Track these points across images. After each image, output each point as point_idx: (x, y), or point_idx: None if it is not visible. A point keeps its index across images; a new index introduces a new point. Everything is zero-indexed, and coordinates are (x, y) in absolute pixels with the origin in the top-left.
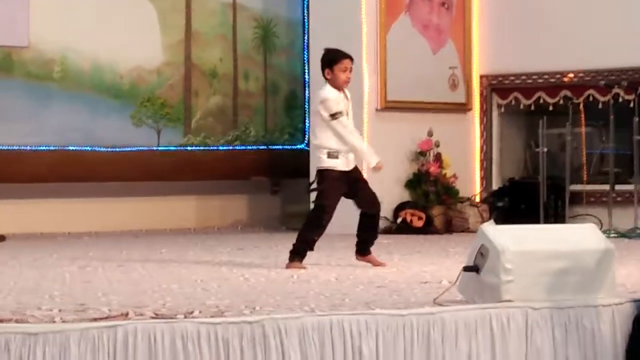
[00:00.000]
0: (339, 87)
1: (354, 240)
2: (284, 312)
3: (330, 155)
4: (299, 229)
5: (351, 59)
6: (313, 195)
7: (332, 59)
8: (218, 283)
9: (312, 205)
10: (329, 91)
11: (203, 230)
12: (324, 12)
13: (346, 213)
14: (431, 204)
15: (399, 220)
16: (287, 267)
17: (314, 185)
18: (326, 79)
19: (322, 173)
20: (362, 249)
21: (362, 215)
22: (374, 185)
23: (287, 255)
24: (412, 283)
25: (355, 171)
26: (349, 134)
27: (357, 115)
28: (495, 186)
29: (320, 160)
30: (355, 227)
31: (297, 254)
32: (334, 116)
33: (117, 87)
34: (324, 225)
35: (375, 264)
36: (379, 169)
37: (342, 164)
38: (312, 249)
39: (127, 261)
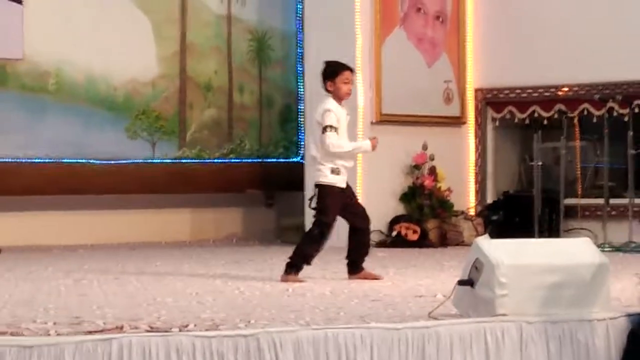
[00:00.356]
0: (340, 98)
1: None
2: (279, 325)
3: (333, 171)
4: (297, 243)
5: (352, 70)
6: (310, 209)
7: (334, 70)
8: (213, 296)
9: (308, 219)
10: (331, 103)
11: (198, 243)
12: (318, 25)
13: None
14: (426, 218)
15: (394, 233)
16: (283, 279)
17: (314, 201)
18: (328, 91)
19: (324, 189)
20: (354, 268)
21: (352, 232)
22: (369, 199)
23: (282, 268)
24: (407, 297)
25: (349, 188)
26: (337, 147)
27: (352, 128)
28: (489, 200)
29: (320, 175)
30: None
31: (294, 267)
32: (325, 129)
33: (111, 100)
34: (322, 242)
35: (371, 277)
36: (375, 144)
37: (341, 181)
38: (309, 264)
39: (122, 274)
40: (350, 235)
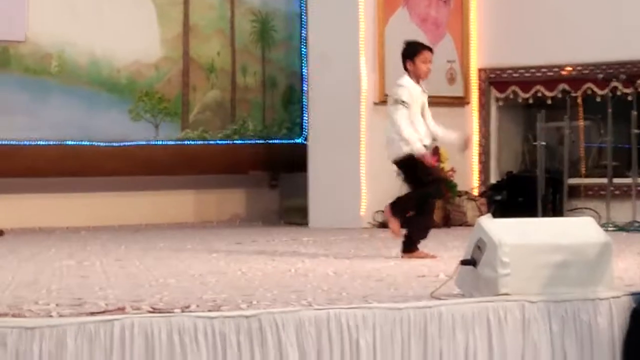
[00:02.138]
0: (418, 77)
1: (351, 234)
2: (281, 306)
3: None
4: (411, 223)
5: (431, 50)
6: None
7: (414, 50)
8: (215, 277)
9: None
10: (407, 80)
11: (201, 224)
12: (322, 6)
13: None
14: None
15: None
16: (413, 257)
17: (402, 176)
18: (407, 70)
19: (408, 160)
20: (409, 246)
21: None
22: (373, 178)
23: (288, 248)
24: (409, 277)
25: None
26: (400, 126)
27: (355, 109)
28: (493, 180)
29: (399, 148)
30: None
31: (413, 243)
32: (398, 102)
33: (114, 82)
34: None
35: (426, 257)
36: (426, 157)
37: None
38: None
39: (125, 255)
40: (414, 214)
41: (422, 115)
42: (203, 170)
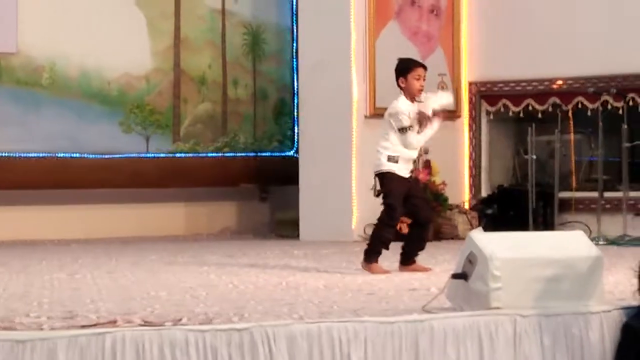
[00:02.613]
0: (412, 95)
1: (342, 247)
2: (273, 319)
3: (390, 159)
4: (372, 232)
5: (425, 67)
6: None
7: (406, 67)
8: (206, 290)
9: (302, 213)
10: (402, 103)
11: (192, 237)
12: (313, 19)
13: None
14: None
15: None
16: (365, 267)
17: (376, 189)
18: (400, 87)
19: (384, 175)
20: (406, 260)
21: (412, 225)
22: (364, 192)
23: (279, 261)
24: (400, 290)
25: (414, 181)
26: (418, 143)
27: (346, 122)
28: (484, 193)
29: (379, 164)
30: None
31: (373, 254)
32: (402, 130)
33: (105, 94)
34: (394, 225)
35: (421, 270)
36: (440, 110)
37: (400, 169)
38: (387, 248)
39: (116, 268)
40: (410, 227)
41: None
42: (194, 182)
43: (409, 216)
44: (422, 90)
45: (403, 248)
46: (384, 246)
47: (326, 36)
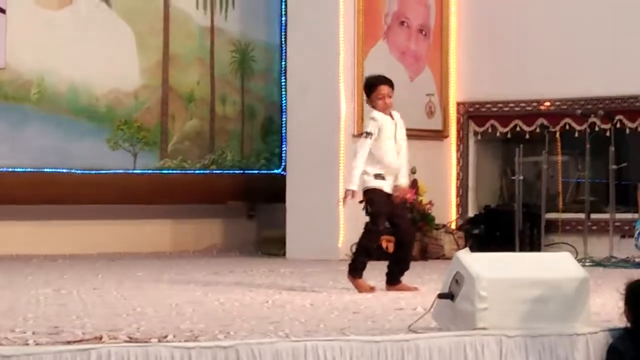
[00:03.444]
0: (382, 111)
1: (328, 265)
2: (258, 337)
3: (377, 176)
4: (358, 242)
5: (389, 84)
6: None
7: (369, 87)
8: (193, 307)
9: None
10: (377, 112)
11: (178, 254)
12: (301, 38)
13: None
14: None
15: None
16: (350, 280)
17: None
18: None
19: (370, 194)
20: (392, 280)
21: (396, 244)
22: (351, 211)
23: (265, 279)
24: (387, 309)
25: (399, 200)
26: (359, 155)
27: (334, 140)
28: (471, 213)
29: (365, 181)
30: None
31: (359, 264)
32: (362, 134)
33: (93, 110)
34: (379, 232)
35: (407, 290)
36: (346, 197)
37: (387, 187)
38: (370, 258)
39: (102, 284)
40: (394, 248)
41: (398, 146)
42: (181, 199)
43: (393, 236)
44: (387, 107)
45: (388, 268)
46: (368, 256)
47: (315, 55)
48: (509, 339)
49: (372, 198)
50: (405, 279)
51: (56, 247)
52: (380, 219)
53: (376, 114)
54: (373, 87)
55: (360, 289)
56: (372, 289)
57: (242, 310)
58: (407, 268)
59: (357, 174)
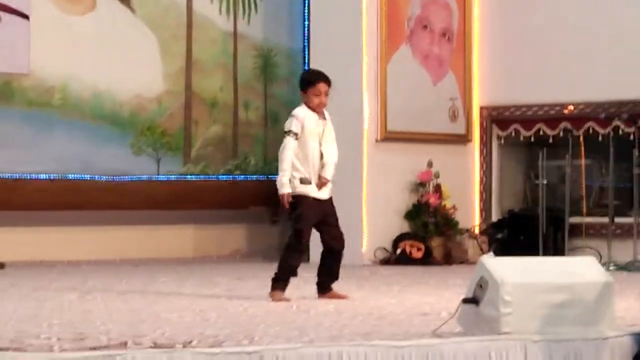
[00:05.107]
0: (313, 109)
1: (352, 271)
2: (283, 342)
3: (303, 181)
4: (280, 257)
5: (327, 82)
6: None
7: (306, 82)
8: (217, 313)
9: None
10: (299, 109)
11: (202, 259)
12: (324, 42)
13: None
14: (430, 235)
15: (398, 251)
16: (270, 295)
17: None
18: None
19: (296, 198)
20: (323, 289)
21: (324, 253)
22: (374, 216)
23: (289, 284)
24: (411, 314)
25: (329, 203)
26: (285, 156)
27: (357, 145)
28: (494, 218)
29: (293, 186)
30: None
31: (279, 282)
32: (286, 133)
33: (117, 116)
34: (302, 250)
35: (338, 297)
36: (284, 203)
37: (314, 191)
38: (295, 275)
39: (126, 290)
40: (322, 256)
41: (322, 146)
42: (204, 205)
43: (322, 242)
44: (321, 106)
45: (318, 277)
46: (291, 273)
47: (337, 60)
48: (533, 343)
49: (299, 213)
50: (431, 283)
51: (80, 253)
52: (304, 236)
53: (299, 111)
54: (311, 83)
55: (274, 299)
56: (286, 300)
57: (266, 316)
58: (336, 278)
59: (286, 177)
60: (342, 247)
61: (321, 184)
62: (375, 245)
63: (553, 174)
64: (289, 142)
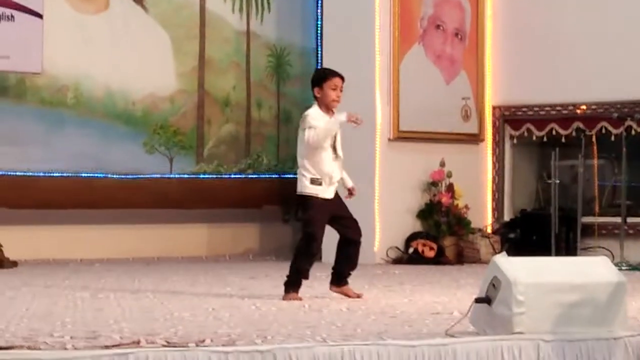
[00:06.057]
0: (327, 106)
1: (364, 269)
2: (296, 341)
3: (313, 181)
4: (291, 260)
5: (342, 78)
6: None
7: (322, 76)
8: (230, 312)
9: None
10: (312, 110)
11: (214, 258)
12: (337, 42)
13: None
14: (443, 235)
15: (411, 250)
16: (284, 299)
17: (299, 213)
18: (315, 97)
19: (306, 200)
20: (338, 280)
21: (341, 243)
22: (386, 215)
23: (302, 284)
24: (423, 314)
25: (337, 198)
26: (314, 135)
27: (370, 145)
28: (507, 217)
29: (302, 185)
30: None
31: (292, 285)
32: (304, 128)
33: (130, 114)
34: (314, 254)
35: (352, 295)
36: (354, 117)
37: (324, 191)
38: (307, 278)
39: (139, 289)
40: (339, 246)
41: (335, 147)
42: (217, 204)
43: (339, 233)
44: (337, 100)
45: (334, 268)
46: (303, 277)
47: (350, 59)
48: (546, 343)
49: (309, 214)
50: (443, 282)
51: (93, 252)
52: (316, 239)
53: (312, 111)
54: (326, 77)
55: (287, 300)
56: (298, 299)
57: (278, 315)
58: (353, 268)
59: (328, 122)
60: (360, 235)
61: (350, 195)
62: (387, 244)
63: (565, 174)
64: (311, 132)
